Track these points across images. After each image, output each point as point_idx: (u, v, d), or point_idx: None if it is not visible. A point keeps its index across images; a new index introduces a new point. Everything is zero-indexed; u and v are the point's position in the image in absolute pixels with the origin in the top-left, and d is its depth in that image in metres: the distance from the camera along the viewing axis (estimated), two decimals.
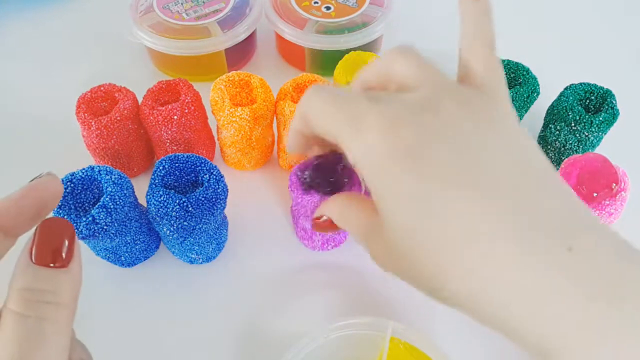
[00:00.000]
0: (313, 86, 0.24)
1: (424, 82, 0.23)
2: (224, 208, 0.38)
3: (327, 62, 0.54)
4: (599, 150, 0.47)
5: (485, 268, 0.19)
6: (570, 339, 0.18)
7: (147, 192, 0.36)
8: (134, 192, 0.38)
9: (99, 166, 0.36)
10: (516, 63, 0.48)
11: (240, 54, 0.56)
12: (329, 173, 0.30)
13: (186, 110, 0.42)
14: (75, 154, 0.47)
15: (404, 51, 0.24)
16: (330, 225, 0.27)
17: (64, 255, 0.19)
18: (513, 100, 0.45)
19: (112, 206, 0.34)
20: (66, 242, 0.19)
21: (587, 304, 0.18)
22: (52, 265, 0.18)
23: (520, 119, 0.49)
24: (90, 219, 0.34)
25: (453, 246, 0.20)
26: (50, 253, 0.18)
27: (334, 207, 0.26)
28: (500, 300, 0.19)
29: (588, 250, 0.19)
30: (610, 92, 0.45)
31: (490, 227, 0.19)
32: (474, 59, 0.23)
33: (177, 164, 0.37)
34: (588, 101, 0.46)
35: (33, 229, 0.20)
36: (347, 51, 0.49)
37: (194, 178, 0.38)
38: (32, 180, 0.21)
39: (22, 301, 0.17)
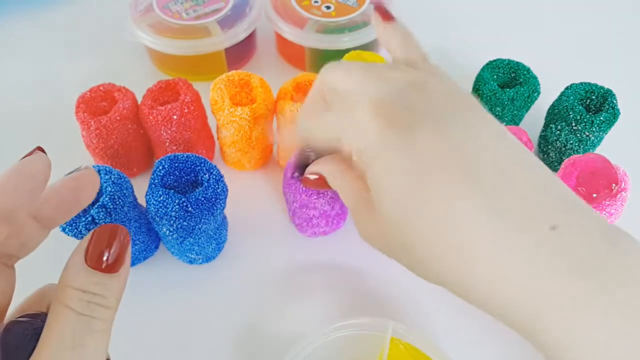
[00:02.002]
0: (299, 112, 0.27)
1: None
2: (223, 208, 0.37)
3: (327, 61, 0.53)
4: (599, 150, 0.47)
5: (469, 247, 0.20)
6: (553, 313, 0.18)
7: (147, 192, 0.36)
8: (133, 192, 0.38)
9: (98, 166, 0.36)
10: (517, 63, 0.47)
11: (240, 53, 0.56)
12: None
13: (186, 110, 0.42)
14: (74, 154, 0.47)
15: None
16: (322, 183, 0.28)
17: (116, 261, 0.19)
18: (514, 100, 0.45)
19: (111, 206, 0.34)
20: (119, 249, 0.20)
21: (570, 279, 0.18)
22: (104, 269, 0.19)
23: (521, 119, 0.49)
24: (89, 218, 0.34)
25: (438, 226, 0.20)
26: (105, 259, 0.19)
27: (327, 166, 0.27)
28: (483, 278, 0.20)
29: (572, 228, 0.19)
30: (611, 91, 0.45)
31: (474, 207, 0.20)
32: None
33: (176, 164, 0.37)
34: (589, 101, 0.46)
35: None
36: (348, 51, 0.49)
37: (193, 178, 0.38)
38: (69, 173, 0.22)
39: (78, 301, 0.18)
